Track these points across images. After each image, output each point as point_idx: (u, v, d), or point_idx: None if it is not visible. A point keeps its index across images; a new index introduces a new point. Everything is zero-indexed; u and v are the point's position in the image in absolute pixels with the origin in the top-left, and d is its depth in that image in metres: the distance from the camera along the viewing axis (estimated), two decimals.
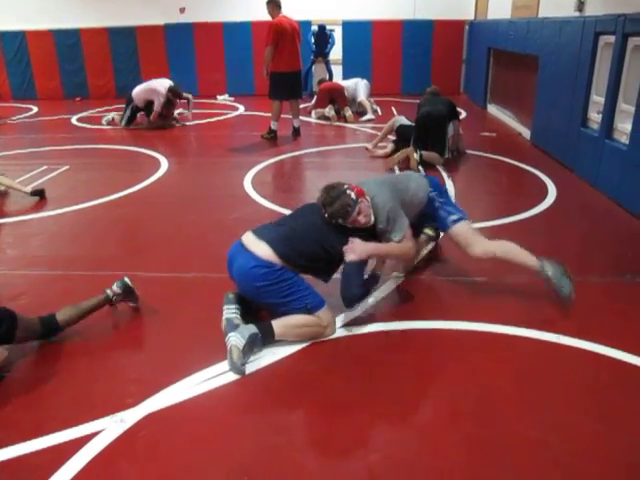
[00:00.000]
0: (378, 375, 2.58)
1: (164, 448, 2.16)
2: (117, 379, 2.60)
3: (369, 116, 9.11)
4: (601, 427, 2.23)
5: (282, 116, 7.74)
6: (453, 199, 4.27)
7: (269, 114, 7.81)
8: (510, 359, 2.70)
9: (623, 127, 4.90)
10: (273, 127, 7.72)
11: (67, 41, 11.94)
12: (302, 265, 2.80)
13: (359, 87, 9.48)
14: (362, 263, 2.90)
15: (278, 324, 2.75)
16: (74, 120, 9.67)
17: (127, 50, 12.06)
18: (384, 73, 11.74)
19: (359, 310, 3.10)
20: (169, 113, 8.77)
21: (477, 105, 10.35)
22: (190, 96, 9.08)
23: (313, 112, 9.37)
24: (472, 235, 3.24)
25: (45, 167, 6.35)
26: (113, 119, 8.95)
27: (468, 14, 11.57)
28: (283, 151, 7.10)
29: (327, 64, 11.45)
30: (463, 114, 8.90)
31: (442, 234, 3.62)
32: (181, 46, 11.91)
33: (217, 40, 11.84)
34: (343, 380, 2.56)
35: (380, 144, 6.85)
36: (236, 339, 2.60)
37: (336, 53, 11.66)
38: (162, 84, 8.47)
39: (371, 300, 3.22)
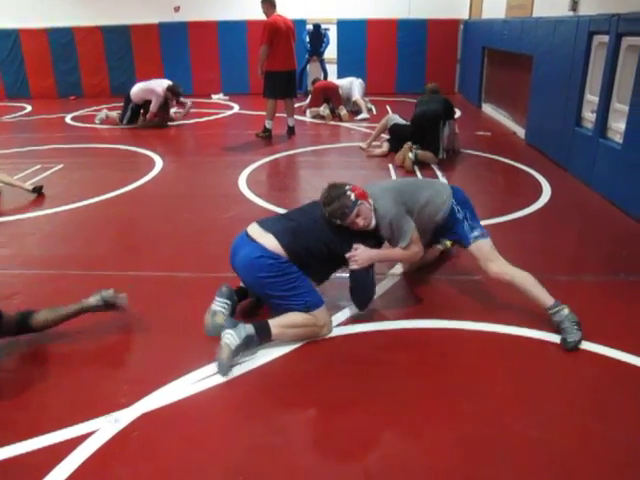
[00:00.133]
0: (374, 374, 2.58)
1: (159, 448, 2.15)
2: (111, 379, 2.59)
3: (364, 115, 9.11)
4: (598, 426, 2.23)
5: (277, 115, 7.73)
6: None
7: (264, 113, 7.79)
8: (506, 358, 2.70)
9: (617, 126, 4.92)
10: (268, 126, 7.71)
11: (61, 40, 11.89)
12: (305, 261, 2.78)
13: (354, 86, 9.48)
14: (369, 268, 2.90)
15: (275, 324, 2.73)
16: (68, 119, 9.63)
17: (121, 49, 12.01)
18: (379, 72, 11.75)
19: (355, 309, 3.09)
20: (165, 113, 8.72)
21: (472, 104, 10.37)
22: (189, 102, 9.06)
23: (308, 111, 9.36)
24: (492, 252, 3.04)
25: (39, 166, 6.32)
26: (107, 117, 8.91)
27: (463, 13, 11.60)
28: (278, 150, 7.09)
29: (322, 63, 11.47)
30: (458, 113, 8.90)
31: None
32: (176, 45, 11.87)
33: (212, 39, 11.81)
34: (339, 379, 2.56)
35: (375, 143, 6.84)
36: (231, 338, 2.58)
37: (331, 52, 11.67)
38: (160, 84, 8.43)
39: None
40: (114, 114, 8.91)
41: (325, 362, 2.69)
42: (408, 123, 6.54)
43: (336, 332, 2.91)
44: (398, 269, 3.62)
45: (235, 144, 7.50)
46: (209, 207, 4.97)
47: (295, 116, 8.02)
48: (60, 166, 6.36)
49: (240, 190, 5.37)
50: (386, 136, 6.87)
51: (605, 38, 5.09)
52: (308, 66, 11.61)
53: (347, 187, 2.86)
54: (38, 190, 5.24)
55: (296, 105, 8.13)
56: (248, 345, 2.63)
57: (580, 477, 2.00)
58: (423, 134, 6.19)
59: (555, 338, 2.78)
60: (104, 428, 2.23)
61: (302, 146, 7.32)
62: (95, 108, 10.30)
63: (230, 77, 11.98)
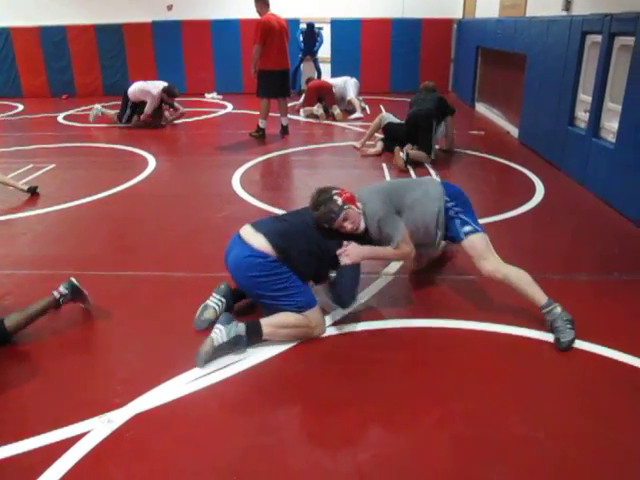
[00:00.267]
0: (368, 374, 2.58)
1: (152, 448, 2.15)
2: (105, 379, 2.57)
3: (358, 114, 9.11)
4: (591, 424, 2.24)
5: (270, 114, 7.71)
6: None
7: (257, 112, 7.78)
8: (500, 358, 2.70)
9: (610, 126, 4.93)
10: (261, 125, 7.70)
11: (53, 38, 11.81)
12: (296, 261, 2.78)
13: (348, 85, 9.48)
14: (358, 266, 2.90)
15: (266, 323, 2.74)
16: (60, 118, 9.58)
17: (114, 47, 11.95)
18: (372, 71, 11.76)
19: (350, 308, 3.09)
20: (158, 118, 8.65)
21: (465, 103, 10.38)
22: (182, 109, 9.03)
23: (301, 110, 9.36)
24: (486, 250, 2.97)
25: (31, 166, 6.28)
26: (102, 114, 8.82)
27: (456, 13, 11.62)
28: (271, 149, 7.08)
29: (315, 62, 11.46)
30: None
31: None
32: (169, 44, 11.82)
33: (205, 38, 11.78)
34: (333, 379, 2.55)
35: (369, 142, 6.84)
36: (218, 333, 2.63)
37: (324, 51, 11.66)
38: (157, 86, 8.39)
39: (362, 298, 3.22)
40: (110, 112, 8.85)
41: (319, 362, 2.68)
42: (402, 122, 6.54)
43: (330, 332, 2.90)
44: (392, 268, 3.62)
45: (229, 143, 7.49)
46: (203, 206, 4.96)
47: (289, 115, 8.01)
48: (52, 165, 6.32)
49: (234, 189, 5.35)
50: (380, 135, 6.87)
51: (598, 38, 5.11)
52: (302, 65, 11.60)
53: (334, 192, 2.88)
54: (33, 190, 5.21)
55: (289, 104, 8.11)
56: (236, 344, 2.66)
57: (574, 476, 2.00)
58: (417, 133, 6.20)
59: (550, 337, 2.79)
60: (98, 428, 2.21)
61: (296, 145, 7.31)
62: (86, 107, 10.19)
63: (223, 76, 11.95)
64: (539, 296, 2.84)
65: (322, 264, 2.92)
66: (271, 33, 7.08)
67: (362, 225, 2.92)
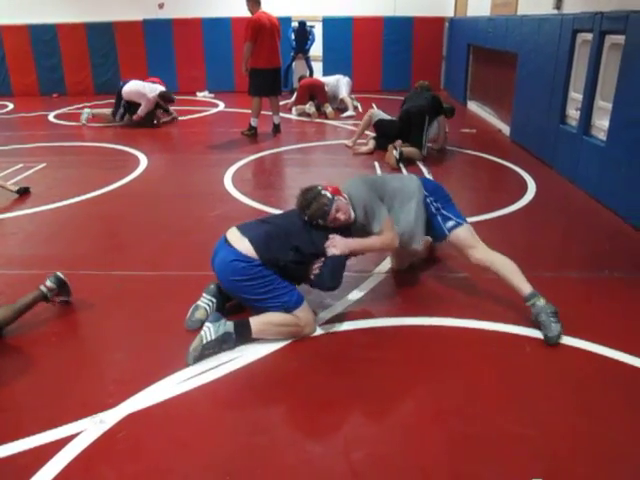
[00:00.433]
0: (361, 372, 2.58)
1: (145, 449, 2.14)
2: (97, 379, 2.56)
3: (350, 112, 9.11)
4: (583, 421, 2.25)
5: (262, 113, 7.70)
6: None
7: (249, 111, 7.76)
8: (492, 355, 2.71)
9: (601, 124, 4.96)
10: (253, 124, 7.68)
11: (43, 36, 11.72)
12: (283, 263, 2.77)
13: (341, 84, 9.48)
14: (345, 257, 2.91)
15: (256, 322, 2.75)
16: (51, 117, 9.51)
17: (105, 46, 11.87)
18: (365, 70, 11.76)
19: (341, 307, 3.10)
20: (149, 122, 8.58)
21: (457, 102, 10.39)
22: (175, 114, 8.98)
23: (293, 109, 9.35)
24: (472, 239, 3.08)
25: (21, 165, 6.24)
26: (93, 116, 8.74)
27: (448, 11, 11.65)
28: (263, 148, 7.07)
29: (307, 60, 11.46)
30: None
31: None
32: (160, 42, 11.77)
33: (197, 36, 11.74)
34: (324, 378, 2.55)
35: (360, 140, 6.84)
36: (207, 331, 2.64)
37: (316, 50, 11.66)
38: (153, 90, 8.33)
39: (354, 297, 3.22)
40: (101, 111, 8.79)
41: (311, 360, 2.68)
42: (393, 118, 6.55)
43: (322, 330, 2.90)
44: (385, 266, 3.63)
45: (220, 142, 7.47)
46: (194, 205, 4.94)
47: (281, 114, 8.00)
48: (43, 165, 6.28)
49: (226, 188, 5.34)
50: (371, 133, 6.87)
51: (589, 36, 5.13)
52: (294, 64, 11.59)
53: (320, 187, 2.92)
54: (23, 191, 5.17)
55: (281, 103, 8.10)
56: (224, 342, 2.67)
57: (566, 473, 2.01)
58: (409, 130, 6.21)
59: (540, 334, 2.80)
60: (90, 429, 2.20)
61: (288, 144, 7.31)
62: (77, 106, 10.17)
63: (215, 74, 11.92)
64: (524, 286, 2.89)
65: (309, 265, 2.91)
66: (262, 31, 7.07)
67: (352, 214, 2.95)
